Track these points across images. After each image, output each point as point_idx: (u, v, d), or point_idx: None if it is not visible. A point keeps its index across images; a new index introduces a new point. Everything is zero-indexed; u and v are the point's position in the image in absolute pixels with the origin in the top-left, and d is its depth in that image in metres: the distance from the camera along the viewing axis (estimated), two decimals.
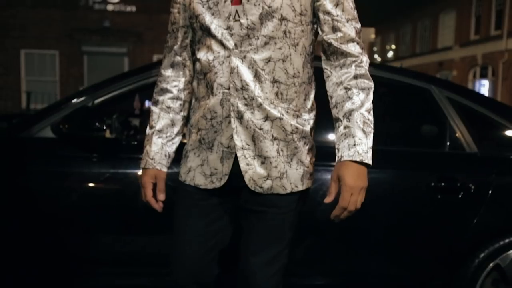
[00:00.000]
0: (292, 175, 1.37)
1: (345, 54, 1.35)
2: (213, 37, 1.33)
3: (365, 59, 1.37)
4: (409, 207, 2.16)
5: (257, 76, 1.32)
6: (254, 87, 1.32)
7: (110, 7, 13.96)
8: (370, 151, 1.31)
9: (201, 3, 1.34)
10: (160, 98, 1.50)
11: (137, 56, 14.10)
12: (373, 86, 1.36)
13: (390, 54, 31.88)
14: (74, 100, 2.10)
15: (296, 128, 1.36)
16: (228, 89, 1.33)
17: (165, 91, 1.50)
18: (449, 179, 2.13)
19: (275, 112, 1.33)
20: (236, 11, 1.30)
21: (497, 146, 2.34)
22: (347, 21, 1.35)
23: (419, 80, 2.34)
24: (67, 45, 13.84)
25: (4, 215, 1.97)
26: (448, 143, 2.25)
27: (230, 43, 1.31)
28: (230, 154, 1.36)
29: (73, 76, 14.00)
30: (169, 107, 1.49)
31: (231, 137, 1.35)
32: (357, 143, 1.30)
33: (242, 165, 1.35)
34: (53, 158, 2.00)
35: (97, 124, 1.88)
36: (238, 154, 1.35)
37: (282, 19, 1.30)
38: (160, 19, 13.80)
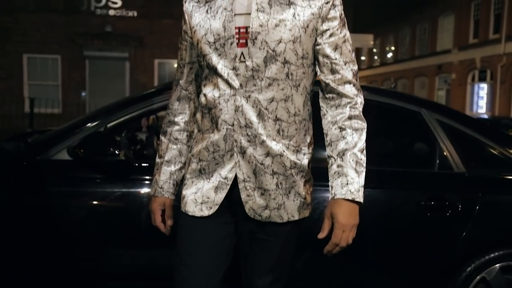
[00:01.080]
0: (289, 206, 1.45)
1: (341, 95, 1.44)
2: (220, 76, 1.40)
3: (360, 100, 1.46)
4: (401, 224, 2.29)
5: (260, 115, 1.39)
6: (258, 125, 1.39)
7: (111, 12, 14.10)
8: (362, 190, 1.39)
9: (208, 44, 1.41)
10: (168, 130, 1.60)
11: (138, 61, 14.25)
12: (366, 127, 1.45)
13: (389, 55, 32.01)
14: (88, 125, 2.25)
15: (295, 163, 1.43)
16: (232, 125, 1.40)
17: (172, 123, 1.60)
18: (438, 198, 2.27)
19: (276, 149, 1.40)
20: (242, 53, 1.38)
21: (484, 166, 2.48)
22: (345, 64, 1.44)
23: (411, 103, 2.49)
24: (69, 50, 13.98)
25: (26, 231, 2.12)
26: (437, 163, 2.39)
27: (236, 83, 1.38)
28: (226, 185, 1.43)
29: (75, 80, 14.14)
30: (176, 139, 1.59)
31: (231, 170, 1.42)
32: (349, 182, 1.38)
33: (243, 196, 1.43)
34: (70, 180, 2.14)
35: (111, 149, 2.03)
36: (240, 186, 1.42)
37: (285, 62, 1.38)
38: (161, 24, 13.95)
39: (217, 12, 1.40)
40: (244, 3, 1.38)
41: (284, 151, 1.41)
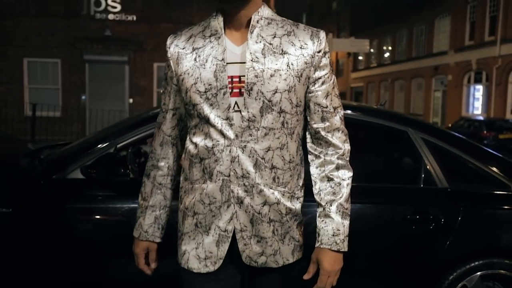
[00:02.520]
0: (284, 251, 1.46)
1: (330, 144, 1.47)
2: (212, 126, 1.37)
3: (348, 148, 1.50)
4: (388, 236, 2.47)
5: (257, 165, 1.37)
6: (255, 175, 1.38)
7: (111, 17, 14.23)
8: (347, 239, 1.45)
9: (199, 93, 1.37)
10: (152, 174, 1.56)
11: (137, 64, 14.41)
12: (352, 175, 1.49)
13: (387, 55, 32.20)
14: (99, 146, 2.43)
15: (290, 209, 1.44)
16: (229, 176, 1.38)
17: (156, 167, 1.55)
18: (423, 212, 2.46)
19: (273, 197, 1.40)
20: (236, 103, 1.36)
21: (465, 181, 2.67)
22: (334, 110, 1.46)
23: (398, 123, 2.67)
24: (69, 54, 14.11)
25: (46, 244, 2.30)
26: (422, 179, 2.58)
27: (230, 133, 1.36)
28: (227, 238, 1.41)
29: (75, 84, 14.28)
30: (160, 184, 1.55)
31: (229, 221, 1.40)
32: (335, 233, 1.43)
33: (240, 246, 1.41)
34: (84, 197, 2.33)
35: (122, 170, 2.21)
36: (237, 236, 1.41)
37: (281, 111, 1.37)
38: (160, 28, 14.10)
39: (206, 61, 1.37)
40: (236, 51, 1.38)
41: (280, 198, 1.42)
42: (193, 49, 1.41)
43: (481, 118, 17.82)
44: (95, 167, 2.25)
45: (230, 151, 1.37)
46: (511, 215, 2.58)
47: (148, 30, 14.26)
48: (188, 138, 1.48)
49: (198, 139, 1.41)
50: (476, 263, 2.51)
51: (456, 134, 2.87)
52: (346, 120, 2.57)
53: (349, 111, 2.63)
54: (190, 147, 1.45)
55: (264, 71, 1.35)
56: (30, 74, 14.16)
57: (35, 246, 2.29)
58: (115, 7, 14.21)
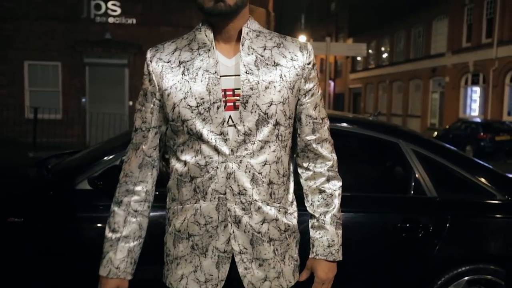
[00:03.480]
0: (286, 272, 1.42)
1: (319, 155, 1.48)
2: (205, 142, 1.32)
3: (335, 158, 1.51)
4: (380, 243, 2.60)
5: (254, 180, 1.33)
6: (252, 191, 1.33)
7: (111, 20, 14.32)
8: (341, 248, 1.48)
9: (189, 108, 1.31)
10: (125, 200, 1.41)
11: (137, 67, 14.50)
12: (341, 185, 1.52)
13: (385, 56, 32.33)
14: (105, 158, 2.56)
15: (288, 225, 1.41)
16: (225, 194, 1.32)
17: (131, 192, 1.41)
18: (412, 220, 2.59)
19: (271, 214, 1.37)
20: (230, 117, 1.32)
21: (453, 190, 2.81)
22: (322, 121, 1.46)
23: (390, 135, 2.80)
24: (69, 57, 14.22)
25: (57, 251, 2.43)
26: (412, 189, 2.72)
27: (225, 149, 1.31)
28: (227, 259, 1.35)
29: (75, 87, 14.39)
30: (136, 211, 1.41)
31: (228, 242, 1.34)
32: (330, 244, 1.46)
33: (241, 269, 1.35)
34: (92, 207, 2.45)
35: None
36: (236, 259, 1.35)
37: (276, 124, 1.34)
38: (160, 31, 14.22)
39: (197, 74, 1.32)
40: (228, 64, 1.35)
41: (277, 214, 1.39)
42: (180, 63, 1.35)
43: (478, 120, 17.95)
44: (102, 178, 2.38)
45: (225, 168, 1.32)
46: (496, 223, 2.71)
47: (147, 34, 14.36)
48: (173, 156, 1.41)
49: (188, 157, 1.35)
50: (463, 268, 2.64)
51: (445, 145, 3.01)
52: (343, 132, 2.73)
53: (344, 124, 2.77)
54: (177, 165, 1.39)
55: (259, 83, 1.32)
56: (30, 77, 14.26)
57: (45, 254, 2.41)
58: (115, 11, 14.32)
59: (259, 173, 1.34)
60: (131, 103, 14.58)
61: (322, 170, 1.49)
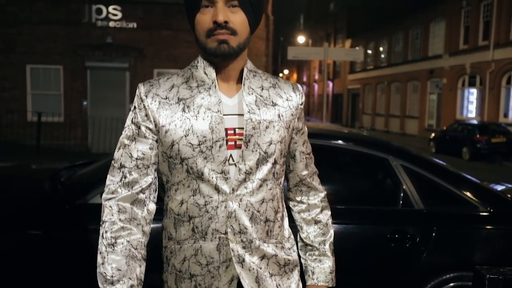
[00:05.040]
0: None
1: (312, 188, 1.56)
2: (206, 181, 1.30)
3: (323, 189, 1.60)
4: (370, 253, 2.80)
5: (253, 218, 1.34)
6: (251, 229, 1.33)
7: (112, 24, 14.51)
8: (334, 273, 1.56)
9: (191, 146, 1.30)
10: (120, 241, 1.28)
11: (138, 71, 14.71)
12: (331, 213, 1.60)
13: (383, 58, 32.53)
14: None
15: (288, 260, 1.44)
16: (225, 233, 1.32)
17: (127, 229, 1.29)
18: (401, 231, 2.80)
19: (269, 251, 1.38)
20: (231, 155, 1.32)
21: (439, 203, 3.01)
22: (309, 155, 1.55)
23: (380, 151, 3.01)
24: (71, 60, 14.41)
25: (72, 261, 2.64)
26: (401, 202, 2.92)
27: (226, 188, 1.31)
28: None
29: (77, 90, 14.58)
30: (136, 248, 1.30)
31: (230, 282, 1.34)
32: (332, 271, 1.53)
33: None
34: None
35: None
36: None
37: (274, 162, 1.37)
38: (160, 35, 14.42)
39: (198, 112, 1.31)
40: (230, 103, 1.36)
41: (275, 250, 1.40)
42: (179, 100, 1.33)
43: (474, 122, 18.15)
44: None
45: (226, 207, 1.31)
46: (478, 233, 2.92)
47: (148, 37, 14.56)
48: (167, 195, 1.38)
49: (185, 196, 1.33)
50: (448, 276, 2.84)
51: (433, 160, 3.21)
52: (338, 149, 2.94)
53: (340, 141, 2.98)
54: (172, 205, 1.36)
55: (260, 122, 1.34)
56: (33, 80, 14.44)
57: (61, 264, 2.62)
58: (116, 15, 14.51)
59: (257, 211, 1.35)
60: (131, 106, 14.79)
61: (316, 202, 1.56)
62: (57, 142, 13.41)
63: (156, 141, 1.35)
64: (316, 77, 41.93)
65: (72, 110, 14.50)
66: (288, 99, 1.44)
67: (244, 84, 1.38)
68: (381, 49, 32.85)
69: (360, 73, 35.87)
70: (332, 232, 1.57)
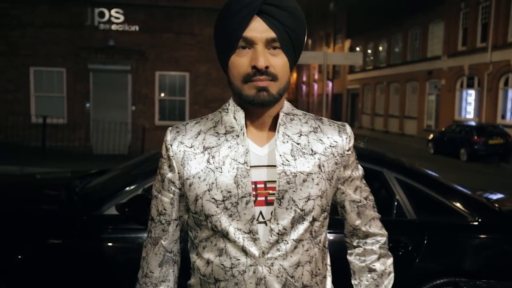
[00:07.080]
0: None
1: (368, 234, 1.39)
2: (231, 241, 1.17)
3: (386, 233, 1.43)
4: None
5: (286, 286, 1.18)
6: None
7: (114, 27, 14.68)
8: None
9: (214, 202, 1.16)
10: None
11: (140, 73, 14.90)
12: (392, 261, 1.42)
13: (382, 58, 32.71)
14: (126, 188, 2.97)
15: None
16: None
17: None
18: (394, 240, 3.00)
19: None
20: (261, 213, 1.17)
21: (430, 213, 3.22)
22: (366, 199, 1.36)
23: (375, 164, 3.21)
24: (73, 63, 14.59)
25: (89, 267, 2.84)
26: (394, 212, 3.13)
27: (254, 250, 1.16)
28: None
29: (80, 92, 14.77)
30: None
31: None
32: None
33: None
34: (119, 230, 2.87)
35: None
36: None
37: (313, 220, 1.21)
38: (162, 37, 14.60)
39: (223, 163, 1.17)
40: (260, 153, 1.20)
41: None
42: (204, 148, 1.21)
43: (472, 123, 18.36)
44: (128, 206, 2.79)
45: (254, 272, 1.16)
46: (467, 241, 3.12)
47: (150, 40, 14.74)
48: (195, 252, 1.26)
49: (211, 256, 1.20)
50: (439, 281, 3.04)
51: (425, 172, 3.42)
52: None
53: None
54: (199, 263, 1.24)
55: (296, 175, 1.18)
56: (36, 83, 14.62)
57: (81, 271, 2.82)
58: (118, 18, 14.69)
59: (292, 277, 1.19)
60: (133, 108, 14.98)
61: (374, 248, 1.40)
62: (61, 143, 13.62)
63: (181, 196, 1.25)
64: (316, 76, 42.09)
65: (75, 112, 14.69)
66: (332, 145, 1.25)
67: (278, 131, 1.21)
68: (380, 49, 33.04)
69: (359, 73, 36.05)
70: (386, 284, 1.39)
